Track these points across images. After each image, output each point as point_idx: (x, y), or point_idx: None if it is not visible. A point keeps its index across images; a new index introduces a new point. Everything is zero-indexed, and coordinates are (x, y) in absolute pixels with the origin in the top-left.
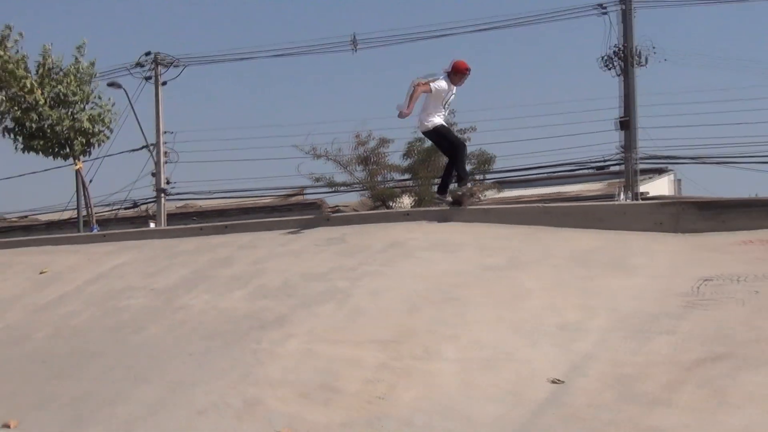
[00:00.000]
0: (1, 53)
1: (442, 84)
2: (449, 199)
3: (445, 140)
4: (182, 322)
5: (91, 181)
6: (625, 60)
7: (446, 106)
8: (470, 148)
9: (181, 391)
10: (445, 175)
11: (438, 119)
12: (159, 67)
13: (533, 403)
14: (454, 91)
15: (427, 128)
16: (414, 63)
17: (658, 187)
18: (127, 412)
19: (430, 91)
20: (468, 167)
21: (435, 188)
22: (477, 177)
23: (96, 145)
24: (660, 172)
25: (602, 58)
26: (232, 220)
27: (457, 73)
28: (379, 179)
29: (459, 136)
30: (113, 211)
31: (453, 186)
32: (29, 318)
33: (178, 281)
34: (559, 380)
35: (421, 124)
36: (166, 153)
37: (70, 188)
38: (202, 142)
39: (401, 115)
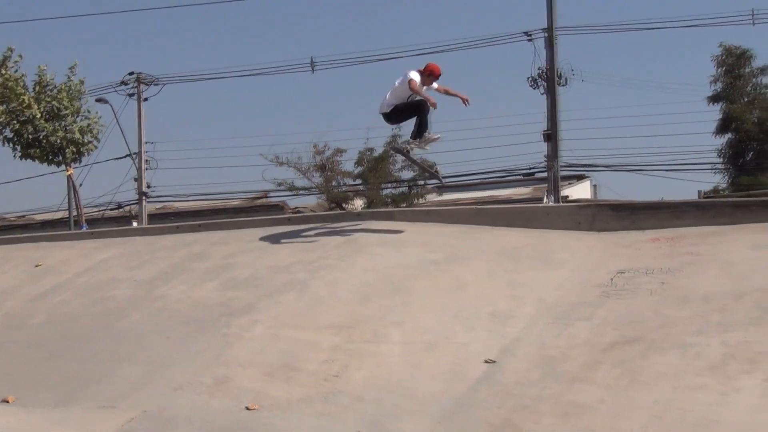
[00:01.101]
0: (3, 72)
1: (417, 76)
2: (412, 146)
3: (403, 113)
4: (161, 309)
5: (81, 185)
6: (549, 81)
7: (410, 98)
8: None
9: (159, 371)
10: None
11: (395, 101)
12: (141, 86)
13: (470, 380)
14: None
15: (384, 111)
16: (363, 82)
17: (578, 191)
18: (112, 389)
19: (418, 81)
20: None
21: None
22: (420, 182)
23: (86, 154)
24: (579, 178)
25: (530, 78)
26: (206, 220)
27: (429, 76)
28: (334, 184)
29: (416, 99)
30: (100, 212)
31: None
32: (25, 306)
33: (158, 273)
34: (492, 360)
35: (382, 106)
36: (147, 161)
37: (63, 191)
38: (179, 151)
39: (434, 106)
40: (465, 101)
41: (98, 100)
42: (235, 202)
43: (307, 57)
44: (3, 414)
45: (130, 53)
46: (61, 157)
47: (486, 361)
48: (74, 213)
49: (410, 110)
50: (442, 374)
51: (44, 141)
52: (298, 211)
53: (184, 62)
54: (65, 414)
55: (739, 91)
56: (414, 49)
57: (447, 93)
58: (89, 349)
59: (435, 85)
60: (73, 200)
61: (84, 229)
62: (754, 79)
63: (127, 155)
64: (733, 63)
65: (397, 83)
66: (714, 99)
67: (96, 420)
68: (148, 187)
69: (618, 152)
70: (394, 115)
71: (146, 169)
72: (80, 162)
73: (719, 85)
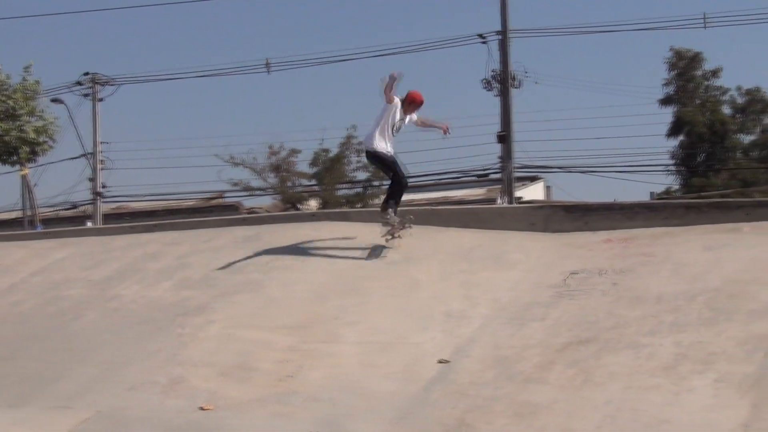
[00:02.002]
0: None
1: (399, 104)
2: (391, 216)
3: (388, 168)
4: (116, 309)
5: (35, 185)
6: (502, 83)
7: (395, 131)
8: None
9: (114, 370)
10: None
11: (383, 145)
12: (96, 86)
13: (424, 380)
14: (404, 119)
15: (368, 149)
16: (319, 83)
17: (532, 192)
18: (67, 389)
19: (392, 101)
20: (397, 201)
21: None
22: (374, 183)
23: (41, 154)
24: (533, 179)
25: (484, 80)
26: (160, 220)
27: (411, 104)
28: (289, 185)
29: (402, 171)
30: (55, 212)
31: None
32: None
33: (112, 273)
34: (445, 360)
35: (367, 140)
36: (102, 161)
37: (17, 191)
38: (134, 152)
39: (389, 93)
40: (445, 131)
41: (53, 101)
42: (190, 203)
43: (263, 58)
44: None
45: (85, 54)
46: (15, 157)
47: (440, 361)
48: (29, 213)
49: (387, 169)
50: (396, 374)
51: None
52: (254, 212)
53: (139, 63)
54: (19, 414)
55: (691, 93)
56: (369, 50)
57: (425, 125)
58: (44, 349)
59: (414, 116)
60: (28, 200)
61: (39, 229)
62: (705, 82)
63: (82, 155)
64: (685, 66)
65: (379, 111)
66: (665, 102)
67: (50, 420)
68: (103, 187)
69: (571, 154)
70: (374, 159)
71: (101, 169)
72: (35, 162)
73: (671, 88)
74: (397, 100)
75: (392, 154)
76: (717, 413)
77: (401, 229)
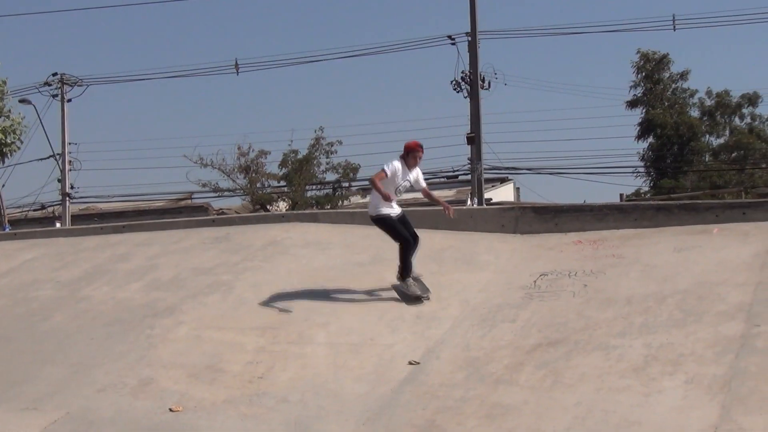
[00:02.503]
0: None
1: (395, 165)
2: (409, 286)
3: (391, 232)
4: (85, 310)
5: (3, 186)
6: (471, 84)
7: (398, 191)
8: (337, 159)
9: (83, 372)
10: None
11: (385, 209)
12: (64, 86)
13: (394, 382)
14: (410, 178)
15: (371, 215)
16: (288, 84)
17: (501, 194)
18: (34, 391)
19: (386, 176)
20: (412, 259)
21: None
22: (344, 184)
23: (8, 155)
24: (502, 181)
25: (453, 81)
26: (129, 221)
27: (409, 153)
28: (258, 186)
29: (407, 230)
30: (23, 213)
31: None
32: None
33: (81, 274)
34: (416, 362)
35: (370, 209)
36: (70, 162)
37: None
38: (102, 152)
39: (387, 199)
40: (447, 211)
41: (21, 101)
42: (159, 204)
43: (232, 59)
44: None
45: (53, 54)
46: None
47: (410, 363)
48: None
49: (394, 233)
50: (366, 375)
51: None
52: (223, 213)
53: (108, 63)
54: None
55: (659, 96)
56: (339, 51)
57: (429, 197)
58: (11, 350)
59: (422, 182)
60: None
61: (6, 230)
62: (673, 84)
63: (50, 156)
64: (653, 68)
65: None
66: (633, 104)
67: (19, 422)
68: (72, 188)
69: (541, 155)
70: (379, 224)
71: (70, 170)
72: (3, 163)
73: (639, 90)
74: (395, 167)
75: (397, 213)
76: (687, 414)
77: (426, 292)
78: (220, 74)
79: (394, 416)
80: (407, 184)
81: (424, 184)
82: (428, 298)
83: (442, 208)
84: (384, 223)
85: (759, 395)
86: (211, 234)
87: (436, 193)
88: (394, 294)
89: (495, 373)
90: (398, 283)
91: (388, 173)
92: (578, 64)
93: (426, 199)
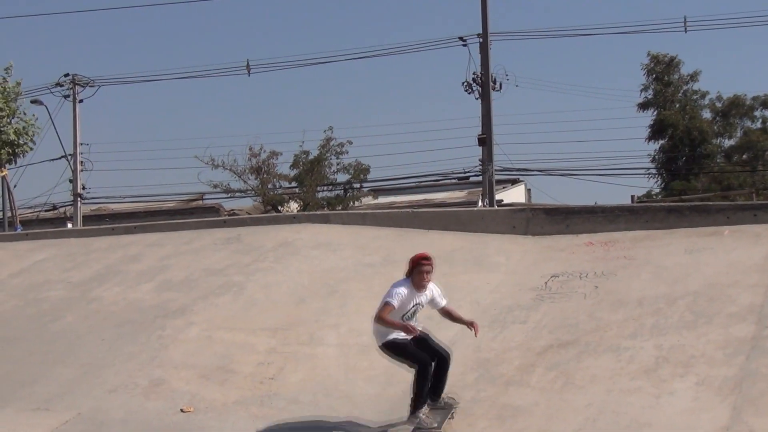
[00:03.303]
0: None
1: (401, 291)
2: (422, 421)
3: (403, 355)
4: (96, 311)
5: (15, 186)
6: (482, 85)
7: (406, 317)
8: (348, 160)
9: (94, 372)
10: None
11: (393, 335)
12: (76, 87)
13: (404, 383)
14: (421, 301)
15: (378, 344)
16: (299, 85)
17: (512, 195)
18: (45, 391)
19: (394, 307)
20: (424, 389)
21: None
22: (355, 185)
23: (21, 156)
24: (514, 182)
25: (465, 83)
26: (141, 222)
27: (414, 269)
28: (269, 187)
29: (422, 352)
30: (35, 213)
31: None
32: None
33: (93, 275)
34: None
35: (376, 337)
36: (82, 162)
37: None
38: (114, 153)
39: (408, 331)
40: (473, 328)
41: (33, 102)
42: (171, 204)
43: (243, 60)
44: None
45: (65, 55)
46: None
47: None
48: (8, 214)
49: (401, 356)
50: (377, 377)
51: None
52: (234, 214)
53: (119, 64)
54: None
55: (670, 98)
56: (350, 52)
57: (451, 317)
58: (23, 350)
59: (442, 301)
60: (8, 201)
61: (18, 231)
62: (684, 87)
63: (62, 157)
64: (663, 70)
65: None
66: (644, 106)
67: (29, 422)
68: (83, 188)
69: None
70: (387, 352)
71: (81, 170)
72: (15, 163)
73: (650, 92)
74: (401, 294)
75: (415, 335)
76: (698, 416)
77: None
78: (231, 75)
79: (405, 417)
80: (417, 308)
81: (443, 302)
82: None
83: (469, 326)
84: (392, 349)
85: None
86: (223, 235)
87: (446, 194)
88: None
89: (506, 374)
90: (408, 419)
91: (396, 304)
92: (589, 66)
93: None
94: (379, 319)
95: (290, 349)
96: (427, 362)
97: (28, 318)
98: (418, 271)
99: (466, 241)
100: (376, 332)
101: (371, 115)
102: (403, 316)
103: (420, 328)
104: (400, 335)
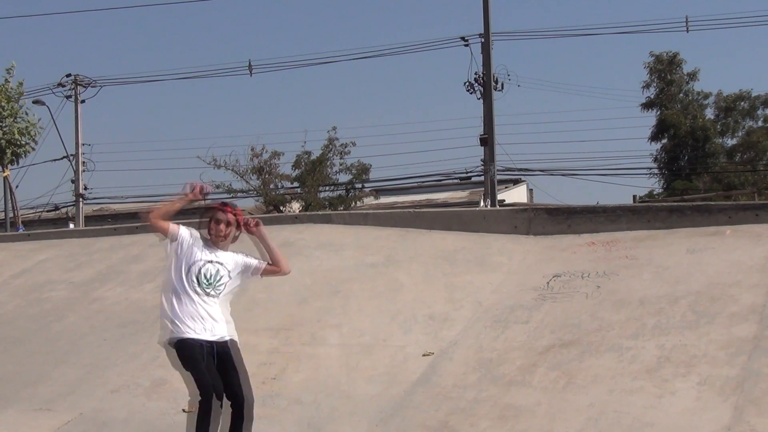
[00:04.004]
0: None
1: (189, 228)
2: None
3: (186, 368)
4: (98, 311)
5: (17, 187)
6: (484, 85)
7: (193, 272)
8: (350, 160)
9: (96, 373)
10: None
11: (180, 325)
12: (78, 88)
13: (406, 383)
14: (219, 260)
15: (164, 340)
16: (301, 85)
17: (514, 195)
18: (47, 391)
19: (177, 226)
20: None
21: None
22: (357, 185)
23: (23, 156)
24: (515, 182)
25: (466, 83)
26: (143, 222)
27: (207, 214)
28: (271, 187)
29: (210, 378)
30: (37, 213)
31: None
32: None
33: (95, 275)
34: (431, 353)
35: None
36: (84, 163)
37: None
38: (116, 153)
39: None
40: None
41: (35, 102)
42: None
43: (245, 60)
44: None
45: (67, 55)
46: None
47: (425, 354)
48: (11, 215)
49: (185, 366)
50: (379, 377)
51: None
52: None
53: (121, 64)
54: (0, 417)
55: (672, 97)
56: (352, 52)
57: (273, 260)
58: (25, 351)
59: (246, 257)
60: (10, 201)
61: (20, 231)
62: (685, 86)
63: (64, 157)
64: (664, 69)
65: None
66: (647, 106)
67: (32, 422)
68: (85, 188)
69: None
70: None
71: (83, 170)
72: (17, 164)
73: (652, 92)
74: (188, 229)
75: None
76: (700, 416)
77: None
78: (233, 75)
79: (407, 417)
80: (222, 269)
81: (260, 263)
82: None
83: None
84: (180, 352)
85: None
86: None
87: (449, 194)
88: (407, 295)
89: (508, 374)
90: None
91: (178, 229)
92: (591, 65)
93: None
94: (148, 217)
95: (292, 349)
96: (210, 395)
97: (30, 318)
98: (213, 218)
99: (468, 241)
100: (160, 319)
101: (373, 115)
102: (189, 269)
103: (219, 335)
104: (195, 329)
